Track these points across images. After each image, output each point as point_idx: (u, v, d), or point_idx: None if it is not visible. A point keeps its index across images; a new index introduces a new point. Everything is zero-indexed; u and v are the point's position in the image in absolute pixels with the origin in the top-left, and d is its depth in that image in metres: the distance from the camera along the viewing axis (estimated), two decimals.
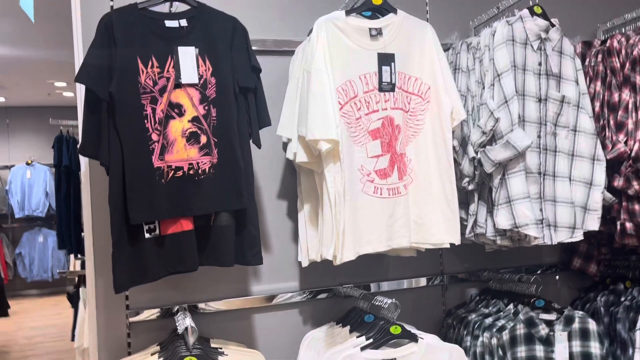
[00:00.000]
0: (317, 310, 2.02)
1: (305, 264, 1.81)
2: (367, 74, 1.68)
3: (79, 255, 4.17)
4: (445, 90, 1.74)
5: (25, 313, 6.25)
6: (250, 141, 1.65)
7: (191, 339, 1.48)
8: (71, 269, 6.16)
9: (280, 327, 1.98)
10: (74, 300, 4.13)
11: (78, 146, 1.50)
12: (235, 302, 1.91)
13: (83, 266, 4.21)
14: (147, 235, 1.48)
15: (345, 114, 1.65)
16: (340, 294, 2.00)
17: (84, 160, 1.77)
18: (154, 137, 1.49)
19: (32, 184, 7.04)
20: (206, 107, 1.54)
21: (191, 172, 1.52)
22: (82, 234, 3.98)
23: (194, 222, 1.53)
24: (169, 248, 1.51)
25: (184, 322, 1.52)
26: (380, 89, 1.69)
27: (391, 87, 1.70)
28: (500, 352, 1.81)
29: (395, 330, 1.65)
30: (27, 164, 7.08)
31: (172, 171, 1.51)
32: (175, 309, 1.83)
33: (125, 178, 1.46)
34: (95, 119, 1.47)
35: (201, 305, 1.86)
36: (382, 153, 1.69)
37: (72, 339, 4.00)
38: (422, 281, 2.14)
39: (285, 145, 1.86)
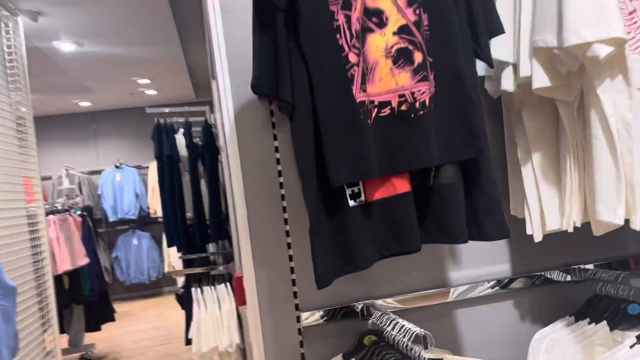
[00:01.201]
0: (537, 301, 1.50)
1: (538, 237, 1.30)
2: None
3: (182, 254, 3.83)
4: None
5: (128, 317, 6.16)
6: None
7: (427, 355, 0.98)
8: (166, 269, 6.01)
9: (493, 325, 1.48)
10: (184, 301, 3.86)
11: (250, 81, 1.05)
12: (429, 295, 1.43)
13: (189, 265, 3.90)
14: (351, 203, 1.01)
15: None
16: (566, 278, 1.47)
17: (227, 118, 1.34)
18: (352, 58, 1.01)
19: (122, 186, 6.98)
20: (417, 12, 1.05)
21: (403, 107, 1.04)
22: (190, 229, 3.67)
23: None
24: (380, 220, 1.04)
25: (404, 325, 1.05)
26: None
27: None
28: None
29: None
30: (116, 167, 7.03)
31: (376, 108, 1.03)
32: (360, 307, 1.37)
33: (318, 121, 1.00)
34: (269, 40, 1.01)
35: (383, 302, 1.40)
36: None
37: (186, 342, 3.73)
38: None
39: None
